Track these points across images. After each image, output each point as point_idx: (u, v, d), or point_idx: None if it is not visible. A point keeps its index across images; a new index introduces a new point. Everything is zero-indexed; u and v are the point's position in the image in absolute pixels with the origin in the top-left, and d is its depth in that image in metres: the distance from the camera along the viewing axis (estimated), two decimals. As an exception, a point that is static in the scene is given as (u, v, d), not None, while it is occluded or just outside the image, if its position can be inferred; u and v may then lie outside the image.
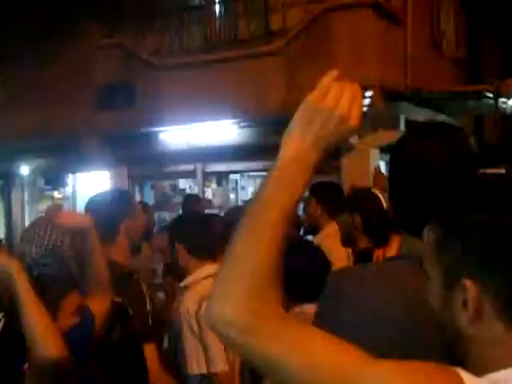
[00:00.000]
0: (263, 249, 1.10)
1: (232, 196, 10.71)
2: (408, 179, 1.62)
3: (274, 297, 1.10)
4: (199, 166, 10.25)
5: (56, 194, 11.79)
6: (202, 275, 3.23)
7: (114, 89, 10.20)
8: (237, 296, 1.08)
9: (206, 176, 10.48)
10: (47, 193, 11.94)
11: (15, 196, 12.19)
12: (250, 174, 10.66)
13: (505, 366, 1.07)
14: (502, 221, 1.10)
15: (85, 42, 10.60)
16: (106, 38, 10.68)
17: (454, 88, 10.01)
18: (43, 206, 11.72)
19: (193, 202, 6.75)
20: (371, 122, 8.11)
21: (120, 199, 3.25)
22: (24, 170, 11.81)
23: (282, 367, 1.06)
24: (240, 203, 9.85)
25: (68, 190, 11.60)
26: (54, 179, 11.41)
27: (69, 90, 10.48)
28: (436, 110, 9.51)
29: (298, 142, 1.17)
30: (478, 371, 1.06)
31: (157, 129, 10.03)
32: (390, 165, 1.70)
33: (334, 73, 1.20)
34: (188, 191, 10.38)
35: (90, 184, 10.72)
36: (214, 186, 10.72)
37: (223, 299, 1.09)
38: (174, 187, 10.95)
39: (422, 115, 8.58)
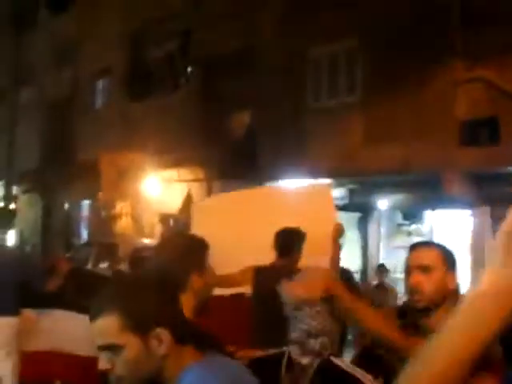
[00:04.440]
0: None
1: None
2: None
3: None
4: None
5: (412, 230, 12.26)
6: None
7: (477, 124, 10.30)
8: None
9: None
10: (404, 228, 12.47)
11: (372, 229, 12.97)
12: None
13: None
14: None
15: (447, 75, 10.89)
16: (469, 72, 10.82)
17: None
18: (399, 240, 12.31)
19: None
20: None
21: None
22: (382, 204, 12.53)
23: None
24: None
25: (425, 226, 11.97)
26: (412, 214, 11.88)
27: (430, 124, 10.86)
28: None
29: (501, 273, 1.05)
30: None
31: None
32: None
33: None
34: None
35: (448, 222, 10.93)
36: None
37: None
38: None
39: None
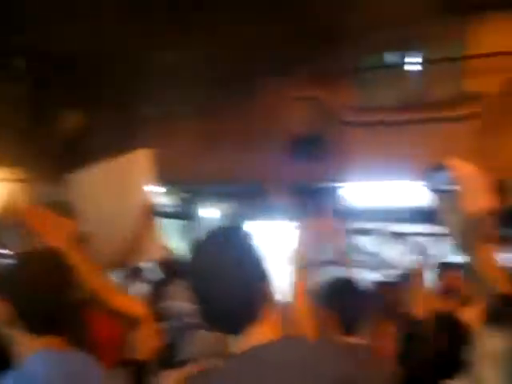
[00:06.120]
0: None
1: (412, 258, 11.12)
2: None
3: None
4: (379, 225, 10.91)
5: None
6: None
7: (302, 141, 11.07)
8: None
9: (385, 235, 11.09)
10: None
11: (195, 238, 13.41)
12: (432, 236, 11.05)
13: None
14: None
15: (279, 91, 11.54)
16: (300, 90, 11.37)
17: None
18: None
19: None
20: None
21: None
22: (205, 213, 13.06)
23: None
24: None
25: (246, 235, 12.57)
26: (235, 223, 12.48)
27: (258, 137, 11.48)
28: None
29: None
30: None
31: (340, 184, 10.79)
32: None
33: None
34: (366, 249, 11.03)
35: (268, 232, 11.65)
36: (393, 245, 11.23)
37: None
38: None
39: None
